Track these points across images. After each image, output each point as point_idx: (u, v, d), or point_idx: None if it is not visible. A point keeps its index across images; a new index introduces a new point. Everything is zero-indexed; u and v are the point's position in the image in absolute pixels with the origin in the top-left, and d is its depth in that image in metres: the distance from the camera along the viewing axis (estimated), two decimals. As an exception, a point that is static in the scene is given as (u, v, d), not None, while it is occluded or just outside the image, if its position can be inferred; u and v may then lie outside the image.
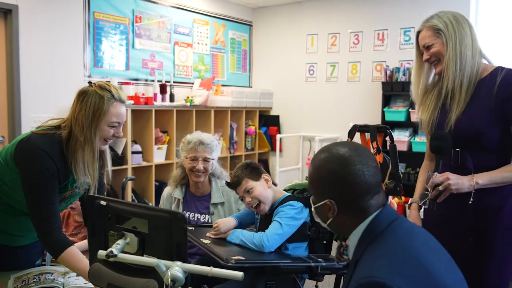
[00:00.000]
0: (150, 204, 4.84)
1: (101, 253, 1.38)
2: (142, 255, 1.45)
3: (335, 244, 2.12)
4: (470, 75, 1.83)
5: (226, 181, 2.24)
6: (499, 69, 1.83)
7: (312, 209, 1.37)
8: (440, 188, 1.69)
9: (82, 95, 1.90)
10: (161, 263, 1.32)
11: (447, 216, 1.86)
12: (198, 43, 5.85)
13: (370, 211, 1.26)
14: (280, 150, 6.22)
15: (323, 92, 6.05)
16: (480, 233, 1.81)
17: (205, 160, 2.46)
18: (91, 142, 1.85)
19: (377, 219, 1.25)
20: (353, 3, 5.74)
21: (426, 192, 1.77)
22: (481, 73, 1.85)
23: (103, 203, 1.50)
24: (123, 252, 1.43)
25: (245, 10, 6.53)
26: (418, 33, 1.96)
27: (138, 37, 5.09)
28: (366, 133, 2.26)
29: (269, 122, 6.47)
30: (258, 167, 2.14)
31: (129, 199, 4.61)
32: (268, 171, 6.40)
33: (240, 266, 1.62)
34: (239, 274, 1.32)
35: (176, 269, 1.33)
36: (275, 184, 2.18)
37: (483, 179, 1.72)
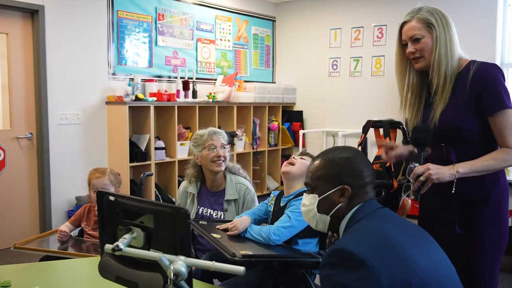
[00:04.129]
0: (174, 199, 4.92)
1: (108, 247, 1.42)
2: (149, 249, 1.49)
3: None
4: (454, 70, 1.82)
5: None
6: (471, 62, 1.83)
7: (317, 200, 1.44)
8: (422, 178, 1.69)
9: None
10: (165, 257, 1.35)
11: (435, 208, 1.87)
12: (221, 40, 5.88)
13: (362, 199, 1.41)
14: (304, 146, 6.20)
15: (346, 87, 6.00)
16: (468, 225, 1.81)
17: (223, 147, 2.52)
18: None
19: (358, 210, 1.39)
20: (377, -4, 5.65)
21: (409, 184, 1.78)
22: (458, 68, 1.85)
23: (112, 198, 1.54)
24: (130, 246, 1.47)
25: (268, 5, 6.52)
26: (404, 23, 1.89)
27: (161, 34, 5.16)
28: (380, 129, 2.24)
29: (293, 117, 6.46)
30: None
31: (152, 195, 4.70)
32: (291, 167, 6.41)
33: (247, 260, 1.64)
34: (241, 269, 1.33)
35: (179, 263, 1.35)
36: None
37: (463, 167, 1.72)
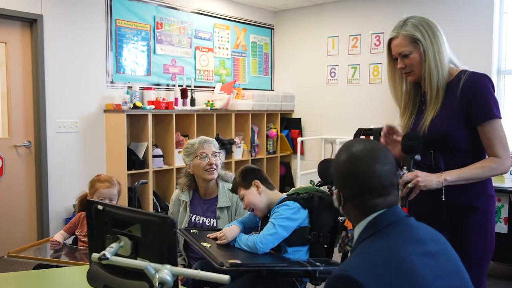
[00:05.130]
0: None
1: (95, 255, 1.44)
2: (136, 258, 1.50)
3: (336, 249, 2.13)
4: (445, 80, 1.83)
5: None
6: (462, 72, 1.85)
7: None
8: (410, 185, 1.71)
9: None
10: (150, 266, 1.36)
11: (423, 214, 1.88)
12: (219, 48, 5.92)
13: (374, 209, 1.30)
14: (302, 153, 6.21)
15: (344, 94, 6.02)
16: (456, 231, 1.83)
17: (214, 154, 2.54)
18: None
19: (379, 218, 1.29)
20: (374, 4, 5.69)
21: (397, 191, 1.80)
22: (448, 77, 1.87)
23: (100, 207, 1.56)
24: (117, 255, 1.49)
25: (267, 13, 6.56)
26: (391, 40, 1.91)
27: (159, 43, 5.19)
28: (370, 136, 2.26)
29: (291, 125, 6.48)
30: (250, 174, 2.16)
31: (150, 202, 4.71)
32: (290, 174, 6.42)
33: (235, 269, 1.64)
34: (225, 277, 1.34)
35: (165, 272, 1.36)
36: (273, 187, 2.20)
37: (451, 175, 1.74)
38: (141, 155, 4.67)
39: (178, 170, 4.99)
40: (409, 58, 1.85)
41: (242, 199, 2.16)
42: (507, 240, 3.45)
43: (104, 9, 4.69)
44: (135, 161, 4.62)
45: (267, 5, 6.29)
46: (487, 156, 1.83)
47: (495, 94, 1.84)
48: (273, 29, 6.68)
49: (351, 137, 5.77)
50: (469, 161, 1.81)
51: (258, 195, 2.10)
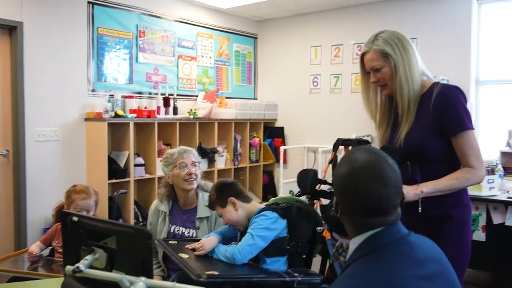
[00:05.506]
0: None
1: (68, 268, 1.42)
2: (111, 271, 1.48)
3: (315, 259, 2.14)
4: (417, 93, 1.86)
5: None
6: (435, 84, 1.89)
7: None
8: None
9: None
10: (125, 279, 1.35)
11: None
12: (202, 56, 5.92)
13: (370, 227, 1.23)
14: (285, 162, 6.22)
15: (327, 103, 6.06)
16: (433, 241, 1.85)
17: (194, 164, 2.52)
18: None
19: (377, 236, 1.22)
20: (356, 14, 5.75)
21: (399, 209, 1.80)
22: (421, 89, 1.90)
23: (75, 219, 1.54)
24: (92, 267, 1.47)
25: (250, 22, 6.59)
26: (363, 54, 1.95)
27: (141, 51, 5.18)
28: (349, 147, 2.27)
29: (274, 133, 6.49)
30: (225, 190, 2.14)
31: (131, 212, 4.67)
32: (273, 183, 6.43)
33: (213, 281, 1.64)
34: (201, 290, 1.34)
35: (140, 284, 1.35)
36: (249, 199, 2.19)
37: (427, 187, 1.76)
38: (122, 164, 4.63)
39: (160, 179, 4.94)
40: (381, 72, 1.89)
41: (220, 216, 2.16)
42: (485, 248, 3.49)
43: (86, 17, 4.66)
44: (116, 170, 4.57)
45: (251, 14, 6.33)
46: (461, 167, 1.86)
47: (470, 105, 1.88)
48: (256, 38, 6.71)
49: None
50: (445, 171, 1.83)
51: (236, 212, 2.09)
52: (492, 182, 3.57)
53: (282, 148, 5.97)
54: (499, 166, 3.79)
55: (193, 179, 2.48)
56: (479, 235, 3.54)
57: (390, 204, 1.24)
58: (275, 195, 6.37)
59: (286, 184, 5.87)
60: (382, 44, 1.87)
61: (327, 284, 1.89)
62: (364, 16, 5.68)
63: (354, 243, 1.27)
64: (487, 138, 4.78)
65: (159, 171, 4.93)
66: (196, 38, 5.82)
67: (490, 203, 3.53)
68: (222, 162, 5.72)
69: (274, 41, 6.58)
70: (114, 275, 1.37)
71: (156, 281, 1.41)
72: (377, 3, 5.53)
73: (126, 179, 4.65)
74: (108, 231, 1.48)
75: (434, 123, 1.83)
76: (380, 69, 1.88)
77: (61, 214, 1.59)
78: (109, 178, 4.51)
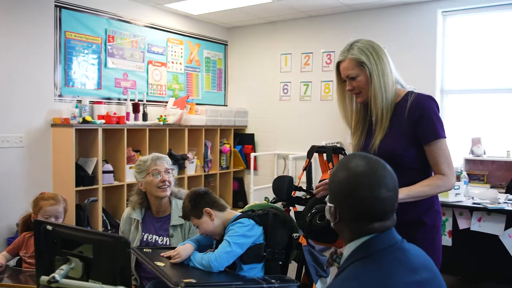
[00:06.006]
0: (122, 224, 4.79)
1: (43, 279, 1.38)
2: (88, 280, 1.45)
3: (291, 266, 2.15)
4: (391, 101, 1.91)
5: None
6: (409, 93, 1.95)
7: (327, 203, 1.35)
8: None
9: None
10: (103, 289, 1.32)
11: None
12: (172, 62, 5.88)
13: (369, 232, 1.25)
14: (255, 168, 6.23)
15: (297, 110, 6.12)
16: None
17: (167, 171, 2.49)
18: None
19: (373, 240, 1.24)
20: (326, 23, 5.85)
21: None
22: (396, 98, 1.95)
23: (49, 228, 1.50)
24: (67, 277, 1.43)
25: (220, 29, 6.60)
26: (339, 63, 1.98)
27: (110, 56, 5.09)
28: (323, 154, 2.30)
29: (244, 140, 6.50)
30: (200, 201, 2.11)
31: (99, 220, 4.56)
32: (243, 190, 6.42)
33: (191, 289, 1.62)
34: (181, 298, 1.32)
35: (118, 294, 1.33)
36: (224, 207, 2.17)
37: (402, 194, 1.78)
38: (90, 171, 4.53)
39: (129, 186, 4.87)
40: (356, 80, 1.92)
41: (196, 227, 2.14)
42: (451, 252, 3.59)
43: (53, 21, 4.56)
44: (84, 177, 4.47)
45: (221, 21, 6.33)
46: (433, 173, 1.91)
47: (440, 113, 1.94)
48: (226, 45, 6.72)
49: (304, 153, 5.90)
50: (417, 178, 1.88)
51: (212, 222, 2.08)
52: (458, 189, 3.67)
53: (252, 155, 5.98)
54: (464, 173, 3.91)
55: (166, 186, 2.45)
56: (446, 240, 3.64)
57: (392, 208, 1.28)
58: (245, 201, 6.36)
59: (257, 191, 5.87)
60: (358, 53, 1.90)
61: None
62: (333, 25, 5.78)
63: (349, 248, 1.29)
64: (451, 146, 4.91)
65: (128, 178, 4.85)
66: (166, 44, 5.78)
67: (456, 209, 3.64)
68: (192, 168, 5.68)
69: (244, 48, 6.60)
70: (91, 285, 1.34)
71: (134, 290, 1.39)
72: (346, 13, 5.64)
73: (94, 186, 4.55)
74: (85, 240, 1.45)
75: (409, 131, 1.88)
76: (355, 78, 1.92)
77: (34, 223, 1.54)
78: (77, 185, 4.40)
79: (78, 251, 1.47)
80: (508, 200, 3.69)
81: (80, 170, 4.48)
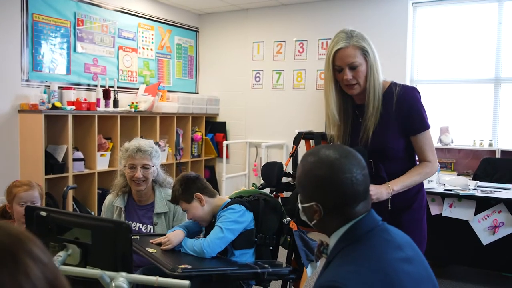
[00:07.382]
0: (93, 213, 4.69)
1: (41, 266, 1.33)
2: (85, 267, 1.41)
3: (281, 250, 2.16)
4: (380, 92, 1.93)
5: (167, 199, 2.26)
6: (392, 85, 1.96)
7: (300, 206, 1.36)
8: None
9: None
10: (105, 275, 1.29)
11: None
12: (143, 48, 5.76)
13: (354, 216, 1.28)
14: (227, 157, 6.22)
15: (269, 99, 6.13)
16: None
17: (145, 167, 2.37)
18: None
19: (358, 225, 1.27)
20: (298, 12, 5.86)
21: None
22: (382, 89, 1.95)
23: (43, 213, 1.45)
24: (65, 264, 1.39)
25: (191, 16, 6.50)
26: (338, 50, 1.85)
27: (80, 40, 4.93)
28: (311, 140, 2.32)
29: (216, 128, 6.46)
30: (190, 186, 2.10)
31: (70, 208, 4.44)
32: (214, 178, 6.40)
33: (187, 275, 1.60)
34: (186, 283, 1.31)
35: (120, 280, 1.30)
36: (214, 193, 2.17)
37: (397, 185, 1.85)
38: (60, 159, 4.40)
39: (100, 174, 4.77)
40: (357, 70, 1.86)
41: (185, 211, 2.12)
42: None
43: (20, 2, 4.36)
44: (53, 165, 4.33)
45: (192, 7, 6.24)
46: (417, 161, 1.97)
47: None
48: (198, 31, 6.63)
49: (278, 141, 5.94)
50: (404, 167, 1.94)
51: (202, 208, 2.07)
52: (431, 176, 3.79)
53: (224, 143, 5.96)
54: (435, 161, 4.04)
55: (140, 181, 2.37)
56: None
57: (367, 187, 1.31)
58: (217, 190, 6.34)
59: (229, 179, 5.87)
60: (361, 41, 1.86)
61: (294, 275, 1.93)
62: (306, 14, 5.80)
63: (334, 237, 1.30)
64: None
65: (99, 166, 4.74)
66: (137, 29, 5.65)
67: (428, 195, 3.75)
68: (164, 156, 5.61)
69: (215, 35, 6.53)
70: (93, 271, 1.31)
71: (137, 276, 1.37)
72: (318, 2, 5.67)
73: (65, 174, 4.42)
74: (83, 226, 1.41)
75: (398, 123, 1.92)
76: (358, 66, 1.85)
77: (25, 209, 1.49)
78: (46, 173, 4.27)
79: (74, 237, 1.43)
80: (478, 186, 3.83)
81: (49, 158, 4.34)
